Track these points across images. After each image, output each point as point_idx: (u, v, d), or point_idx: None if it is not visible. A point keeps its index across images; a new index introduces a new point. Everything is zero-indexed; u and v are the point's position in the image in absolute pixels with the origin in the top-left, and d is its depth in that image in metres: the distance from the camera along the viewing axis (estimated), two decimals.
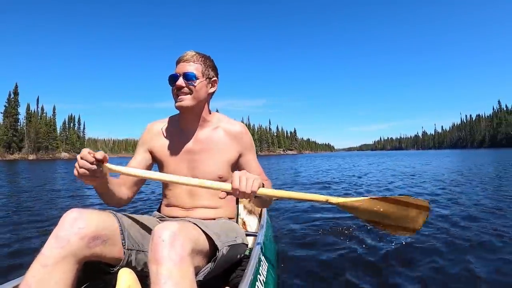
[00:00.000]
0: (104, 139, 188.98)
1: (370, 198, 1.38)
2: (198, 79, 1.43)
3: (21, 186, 10.65)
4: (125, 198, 1.45)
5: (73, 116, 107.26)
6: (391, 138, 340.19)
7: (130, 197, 1.50)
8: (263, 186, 1.24)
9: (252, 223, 2.65)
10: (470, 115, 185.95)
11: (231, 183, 1.18)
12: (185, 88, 1.42)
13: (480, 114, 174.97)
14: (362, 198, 1.38)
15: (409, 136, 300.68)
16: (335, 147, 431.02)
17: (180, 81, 1.40)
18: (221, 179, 1.49)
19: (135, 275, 1.12)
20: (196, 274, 1.10)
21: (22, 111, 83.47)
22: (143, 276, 1.15)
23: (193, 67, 1.43)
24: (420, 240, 3.08)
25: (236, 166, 1.58)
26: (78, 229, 1.04)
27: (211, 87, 1.53)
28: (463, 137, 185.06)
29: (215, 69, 1.54)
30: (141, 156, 1.57)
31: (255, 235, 1.87)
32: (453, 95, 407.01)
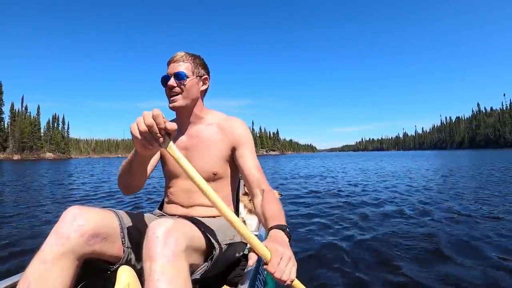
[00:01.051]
0: (86, 139, 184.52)
1: None
2: (188, 77, 1.43)
3: (16, 186, 10.65)
4: (143, 183, 1.39)
5: (57, 116, 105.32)
6: (373, 139, 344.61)
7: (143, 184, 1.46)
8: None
9: (252, 222, 2.65)
10: (450, 117, 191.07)
11: (270, 258, 0.95)
12: (177, 88, 1.42)
13: (460, 116, 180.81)
14: None
15: (390, 137, 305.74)
16: (317, 148, 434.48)
17: (172, 81, 1.41)
18: (216, 175, 1.48)
19: (134, 273, 1.12)
20: (193, 272, 1.08)
21: (5, 110, 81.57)
22: (143, 274, 1.13)
23: (183, 66, 1.44)
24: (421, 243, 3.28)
25: (232, 162, 1.53)
26: (77, 226, 1.04)
27: (202, 85, 1.53)
28: (443, 139, 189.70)
29: (205, 67, 1.54)
30: None
31: (255, 235, 1.78)
32: (434, 98, 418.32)
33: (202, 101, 1.57)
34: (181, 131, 1.53)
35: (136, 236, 1.24)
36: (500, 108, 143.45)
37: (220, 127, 1.51)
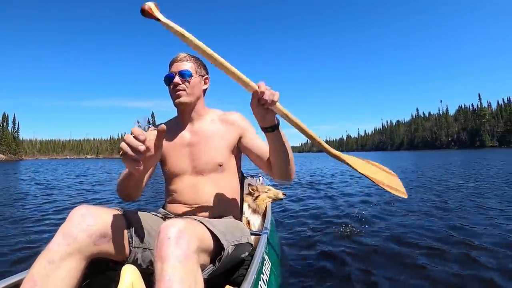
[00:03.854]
0: (30, 140, 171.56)
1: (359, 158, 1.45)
2: (192, 76, 1.49)
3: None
4: (141, 192, 1.40)
5: (6, 115, 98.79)
6: None
7: (143, 189, 1.45)
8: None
9: (256, 222, 2.67)
10: (391, 121, 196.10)
11: (257, 85, 1.11)
12: (181, 85, 1.47)
13: (400, 120, 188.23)
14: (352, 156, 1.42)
15: (334, 139, 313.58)
16: None
17: (177, 79, 1.46)
18: (221, 166, 1.53)
19: (138, 271, 1.11)
20: (201, 272, 1.06)
21: None
22: (148, 274, 1.16)
23: (187, 65, 1.50)
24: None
25: (238, 151, 1.61)
26: (86, 226, 1.04)
27: (204, 84, 1.60)
28: (384, 140, 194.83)
29: (205, 68, 1.62)
30: None
31: (259, 234, 1.86)
32: (376, 102, 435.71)
33: (203, 100, 1.63)
34: (184, 128, 1.58)
35: (142, 235, 1.24)
36: (437, 113, 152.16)
37: (221, 120, 1.59)
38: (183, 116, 1.59)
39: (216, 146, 1.53)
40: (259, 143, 1.53)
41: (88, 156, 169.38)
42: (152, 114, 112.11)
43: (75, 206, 1.11)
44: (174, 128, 1.60)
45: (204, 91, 1.63)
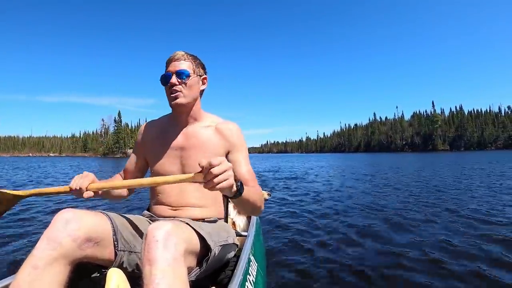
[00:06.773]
0: None
1: None
2: (190, 76, 1.44)
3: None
4: (125, 194, 1.58)
5: None
6: (278, 142, 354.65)
7: (131, 192, 1.62)
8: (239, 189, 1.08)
9: (241, 223, 2.65)
10: (349, 124, 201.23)
11: (205, 169, 0.98)
12: (178, 86, 1.42)
13: (358, 124, 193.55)
14: None
15: (294, 141, 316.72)
16: None
17: (174, 79, 1.41)
18: None
19: (124, 275, 1.09)
20: (188, 274, 1.06)
21: None
22: (134, 277, 1.15)
23: (185, 65, 1.44)
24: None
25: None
26: (71, 231, 1.02)
27: (201, 84, 1.54)
28: (342, 143, 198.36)
29: (204, 68, 1.56)
30: (134, 157, 1.63)
31: (245, 236, 1.87)
32: (335, 106, 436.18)
33: (200, 101, 1.57)
34: (177, 129, 1.54)
35: (128, 238, 1.23)
36: (393, 118, 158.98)
37: (217, 130, 1.51)
38: (178, 117, 1.54)
39: (206, 157, 1.35)
40: (238, 169, 1.45)
41: (51, 154, 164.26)
42: (119, 113, 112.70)
43: (60, 209, 1.10)
44: (166, 127, 1.58)
45: (202, 91, 1.57)
